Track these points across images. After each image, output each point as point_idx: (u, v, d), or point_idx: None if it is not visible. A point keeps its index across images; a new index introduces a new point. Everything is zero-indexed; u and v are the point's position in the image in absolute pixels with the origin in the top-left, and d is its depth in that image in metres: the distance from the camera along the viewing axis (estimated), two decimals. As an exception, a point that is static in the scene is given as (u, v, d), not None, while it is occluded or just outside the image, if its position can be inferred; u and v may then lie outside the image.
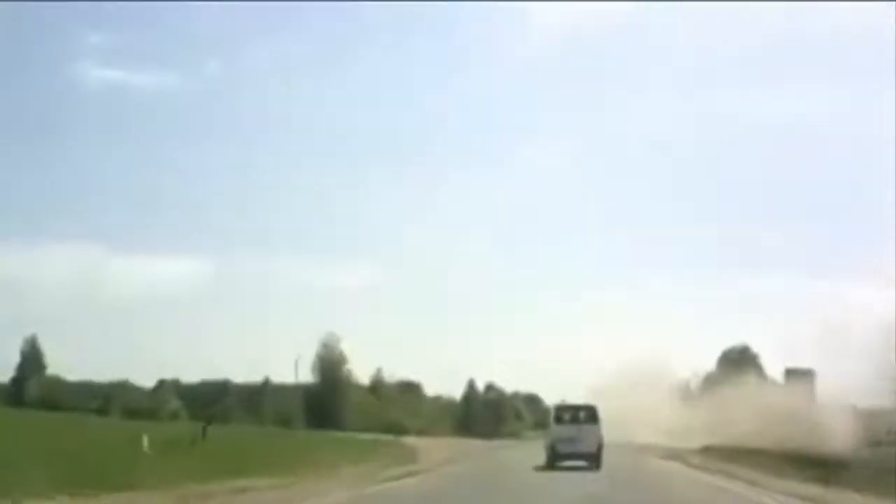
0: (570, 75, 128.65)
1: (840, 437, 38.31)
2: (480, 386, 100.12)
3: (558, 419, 36.72)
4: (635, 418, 61.94)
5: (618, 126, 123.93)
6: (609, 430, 37.40)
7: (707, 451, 48.97)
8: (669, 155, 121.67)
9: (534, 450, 53.54)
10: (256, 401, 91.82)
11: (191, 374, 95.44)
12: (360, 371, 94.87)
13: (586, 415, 36.16)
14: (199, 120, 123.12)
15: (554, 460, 35.07)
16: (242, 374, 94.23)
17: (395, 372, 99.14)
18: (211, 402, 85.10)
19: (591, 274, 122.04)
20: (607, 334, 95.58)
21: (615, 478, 27.91)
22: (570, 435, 35.25)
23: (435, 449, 48.77)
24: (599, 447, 34.73)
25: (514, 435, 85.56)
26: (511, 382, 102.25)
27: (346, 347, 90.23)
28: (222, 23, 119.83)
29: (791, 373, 59.60)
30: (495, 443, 67.77)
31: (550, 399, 56.46)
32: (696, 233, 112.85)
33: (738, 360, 73.07)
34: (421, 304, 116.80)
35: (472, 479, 28.29)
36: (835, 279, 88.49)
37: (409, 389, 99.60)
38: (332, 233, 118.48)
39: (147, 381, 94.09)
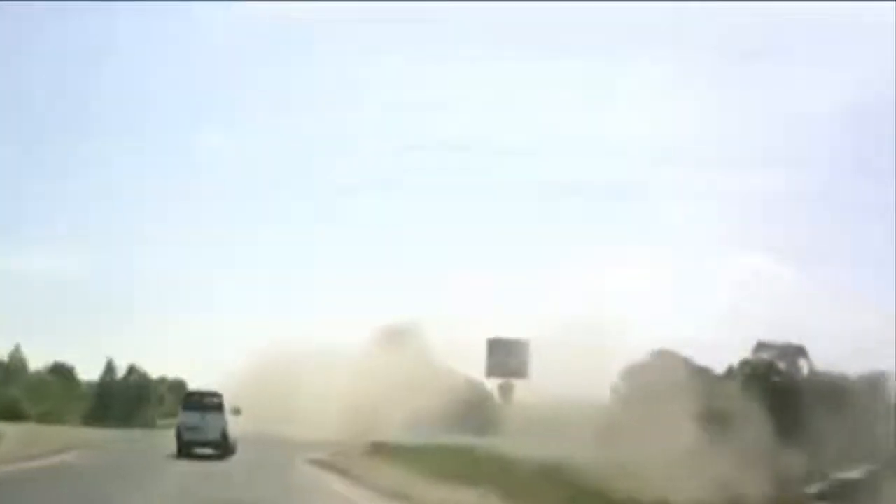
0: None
1: None
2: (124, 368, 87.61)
3: (185, 406, 37.16)
4: (292, 408, 54.84)
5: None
6: (258, 422, 39.65)
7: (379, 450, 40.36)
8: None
9: (140, 452, 39.74)
10: None
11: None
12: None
13: (211, 402, 36.63)
14: None
15: (181, 448, 35.62)
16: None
17: (48, 353, 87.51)
18: None
19: (254, 257, 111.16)
20: (255, 316, 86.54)
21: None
22: (195, 423, 35.94)
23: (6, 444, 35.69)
24: (224, 434, 35.99)
25: (147, 424, 74.11)
26: (160, 367, 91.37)
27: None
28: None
29: (496, 344, 50.69)
30: (112, 434, 54.77)
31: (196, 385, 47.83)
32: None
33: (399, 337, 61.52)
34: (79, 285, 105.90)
35: None
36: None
37: (59, 371, 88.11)
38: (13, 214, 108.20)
39: None
